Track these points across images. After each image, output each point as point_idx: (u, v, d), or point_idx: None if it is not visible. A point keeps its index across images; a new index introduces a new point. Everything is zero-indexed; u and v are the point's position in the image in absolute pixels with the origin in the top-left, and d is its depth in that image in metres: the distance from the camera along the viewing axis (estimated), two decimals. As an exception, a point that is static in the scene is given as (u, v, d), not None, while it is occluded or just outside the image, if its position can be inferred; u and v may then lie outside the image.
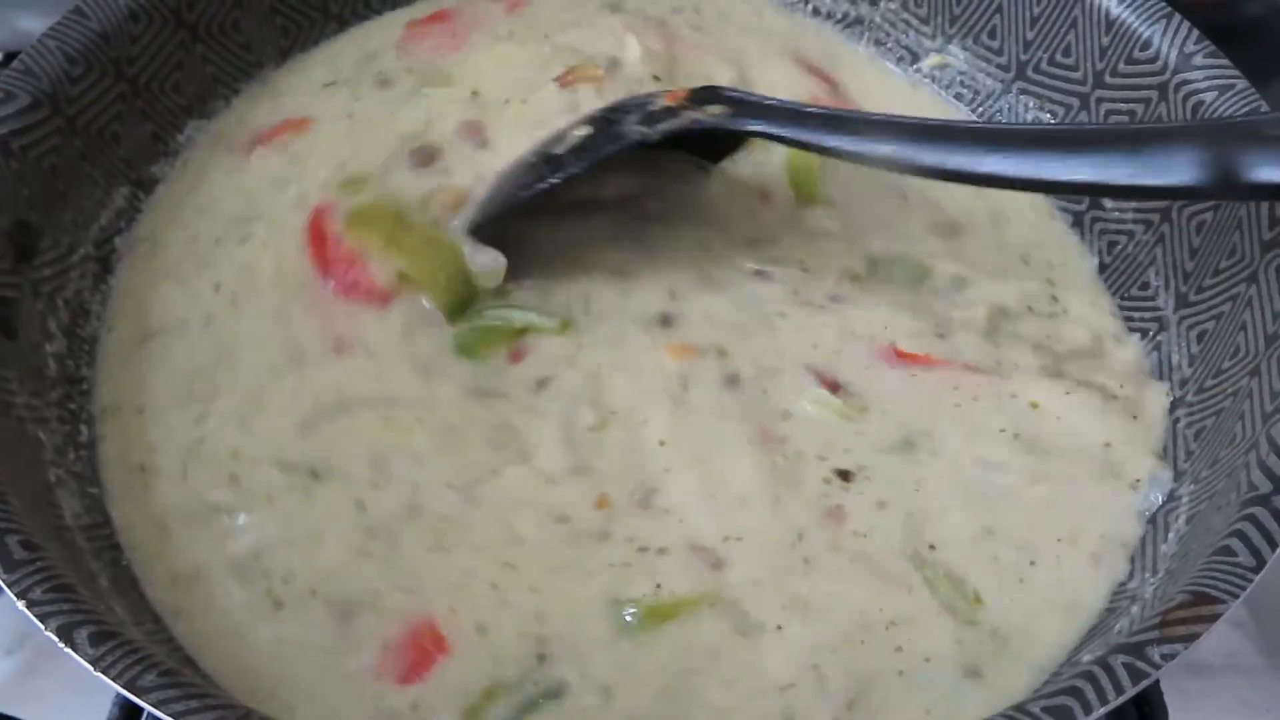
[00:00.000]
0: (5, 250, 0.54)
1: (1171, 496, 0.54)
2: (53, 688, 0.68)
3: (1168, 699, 0.57)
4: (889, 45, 0.77)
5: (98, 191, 0.62)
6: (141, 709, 0.59)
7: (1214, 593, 0.40)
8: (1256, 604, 0.75)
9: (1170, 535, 0.51)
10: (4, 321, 0.52)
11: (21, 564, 0.40)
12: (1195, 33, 0.63)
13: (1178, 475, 0.55)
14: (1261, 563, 0.41)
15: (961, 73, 0.75)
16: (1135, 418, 0.58)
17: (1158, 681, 0.55)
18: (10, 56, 0.91)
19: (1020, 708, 0.37)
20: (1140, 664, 0.38)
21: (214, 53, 0.68)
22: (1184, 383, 0.59)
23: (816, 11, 0.79)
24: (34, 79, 0.58)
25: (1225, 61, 0.61)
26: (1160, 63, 0.63)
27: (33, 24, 0.88)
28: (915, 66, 0.76)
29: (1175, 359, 0.60)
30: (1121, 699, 0.37)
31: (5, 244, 0.54)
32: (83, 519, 0.50)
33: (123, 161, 0.64)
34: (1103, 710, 0.36)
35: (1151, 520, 0.54)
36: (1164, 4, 0.64)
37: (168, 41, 0.65)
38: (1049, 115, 0.71)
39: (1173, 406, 0.59)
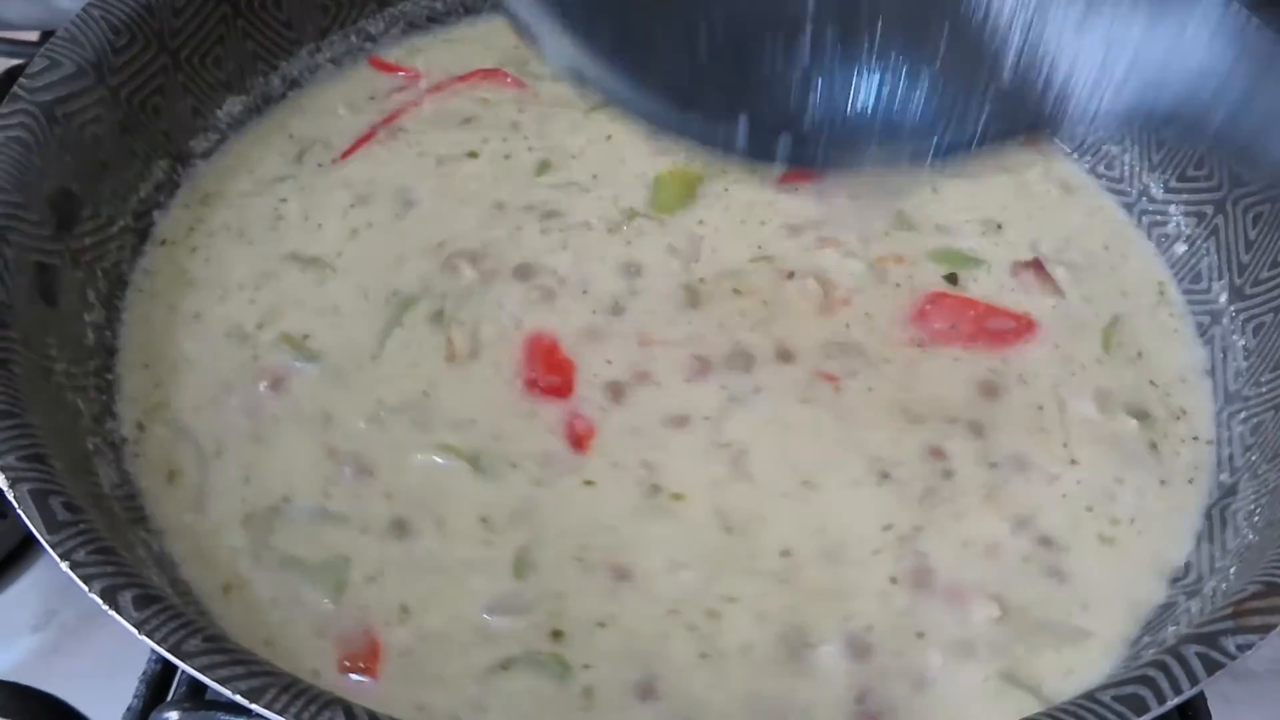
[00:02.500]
0: (47, 217, 0.54)
1: (1229, 491, 0.53)
2: (79, 665, 0.67)
3: (1210, 704, 0.56)
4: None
5: (137, 163, 0.62)
6: (169, 685, 0.59)
7: (1288, 584, 0.39)
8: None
9: (1229, 531, 0.50)
10: (45, 288, 0.52)
11: (65, 525, 0.40)
12: (1254, 20, 0.61)
13: (1234, 470, 0.54)
14: (1335, 553, 0.39)
15: None
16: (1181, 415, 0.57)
17: (1201, 685, 0.54)
18: (47, 35, 0.92)
19: (1090, 696, 0.36)
20: (1215, 654, 0.37)
21: (255, 28, 0.68)
22: (1238, 376, 0.58)
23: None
24: (79, 48, 0.57)
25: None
26: (1217, 52, 0.62)
27: (70, 3, 0.88)
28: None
29: (1229, 353, 0.59)
30: (1194, 689, 0.35)
31: (47, 211, 0.54)
32: (120, 489, 0.50)
33: (163, 134, 0.63)
34: (1176, 700, 0.35)
35: (1208, 515, 0.52)
36: None
37: (210, 15, 0.65)
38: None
39: (1228, 400, 0.57)
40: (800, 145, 0.39)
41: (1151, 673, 0.36)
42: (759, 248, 0.63)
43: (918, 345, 0.59)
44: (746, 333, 0.59)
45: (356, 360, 0.57)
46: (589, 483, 0.53)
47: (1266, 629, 0.37)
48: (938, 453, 0.54)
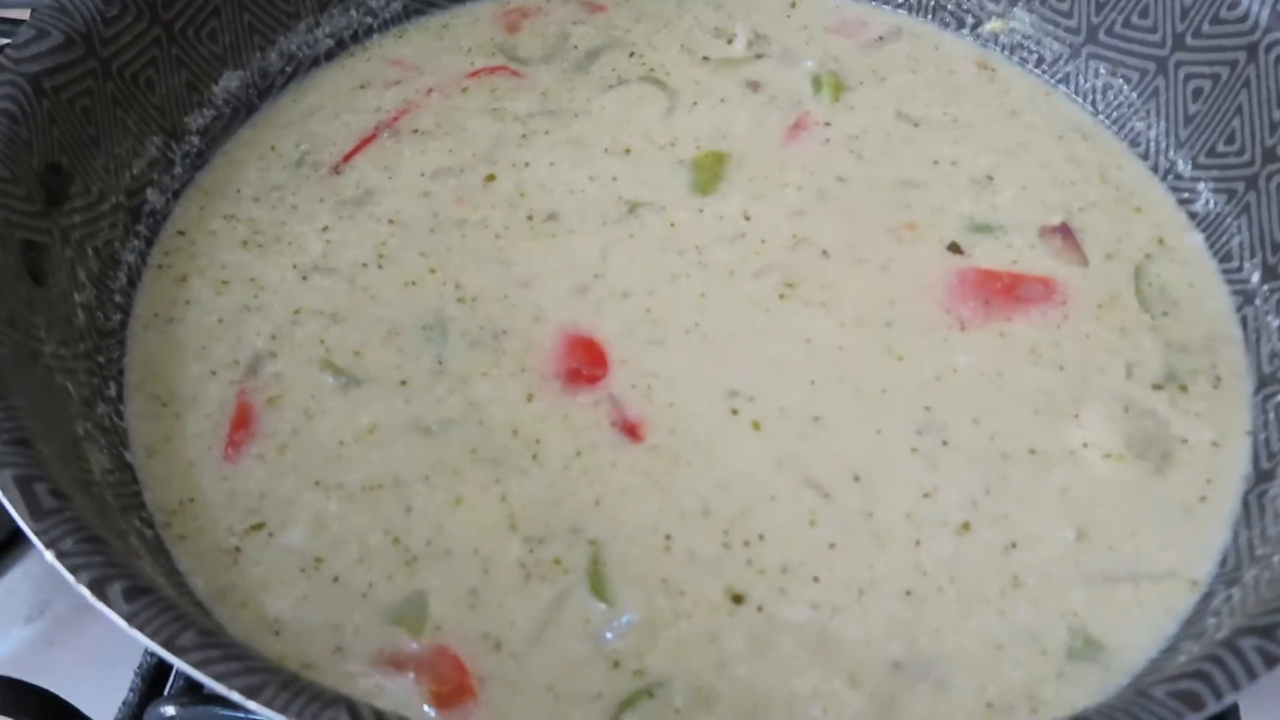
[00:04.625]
0: (35, 192, 0.51)
1: (1266, 476, 0.51)
2: (73, 657, 0.66)
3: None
4: (949, 8, 0.74)
5: (130, 139, 0.59)
6: (166, 679, 0.57)
7: (1346, 571, 0.37)
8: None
9: (1268, 517, 0.48)
10: (33, 266, 0.50)
11: (51, 513, 0.37)
12: (1289, -11, 0.59)
13: (1271, 455, 0.52)
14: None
15: (1026, 37, 0.71)
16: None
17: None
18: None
19: (1143, 692, 0.34)
20: (1273, 647, 0.35)
21: (253, 1, 0.65)
22: (1274, 357, 0.55)
23: (876, -27, 0.75)
24: (68, 17, 0.55)
25: (1323, 19, 0.58)
26: (1250, 22, 0.60)
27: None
28: (975, 31, 0.73)
29: (1263, 334, 0.57)
30: (1252, 684, 0.34)
31: (35, 185, 0.52)
32: (111, 475, 0.48)
33: (156, 110, 0.61)
34: (1233, 697, 0.33)
35: (1244, 501, 0.50)
36: None
37: (205, -14, 0.63)
38: (1122, 80, 0.67)
39: (1262, 383, 0.55)
40: None
41: (1206, 667, 0.34)
42: (792, 235, 0.61)
43: (960, 329, 0.57)
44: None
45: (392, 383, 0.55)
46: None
47: (1327, 620, 0.35)
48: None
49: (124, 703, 0.58)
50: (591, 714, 0.45)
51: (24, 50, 0.53)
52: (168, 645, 0.33)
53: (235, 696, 0.32)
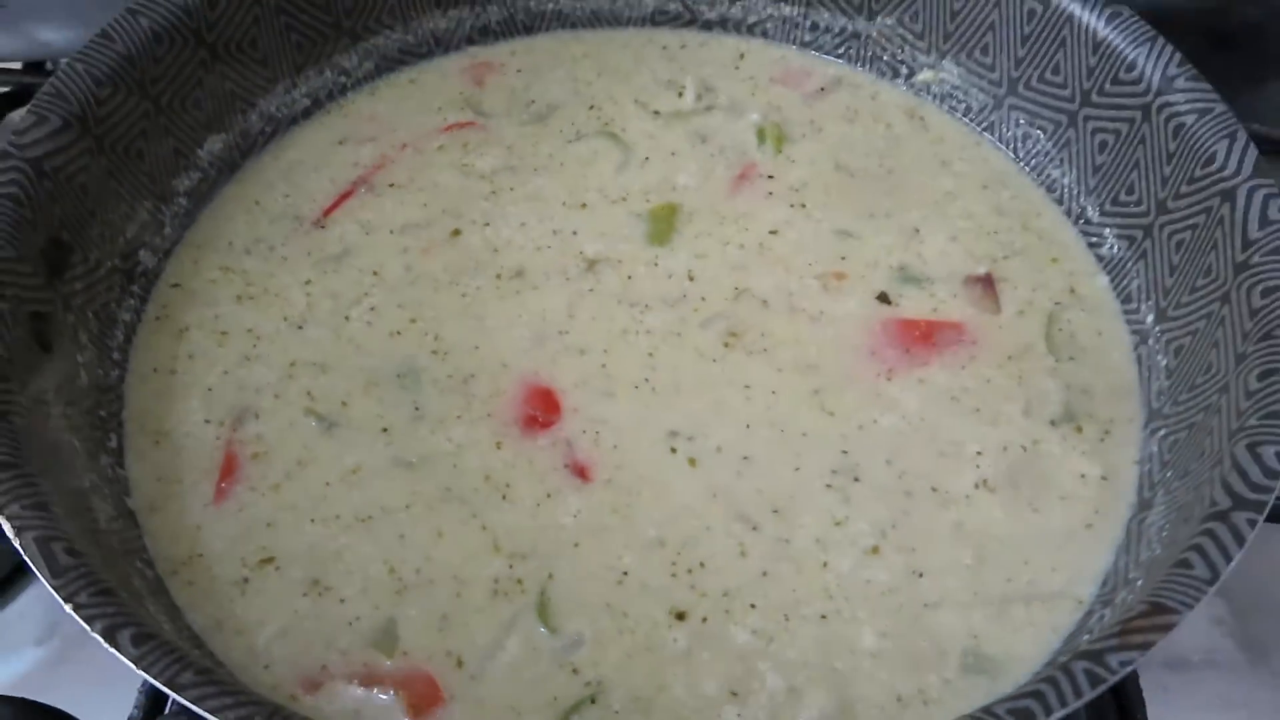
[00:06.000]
0: (39, 267, 0.57)
1: (1147, 505, 0.57)
2: (82, 676, 0.70)
3: (1146, 694, 0.59)
4: (885, 60, 0.79)
5: (124, 206, 0.64)
6: (166, 697, 0.63)
7: (1170, 604, 0.43)
8: (1236, 601, 0.76)
9: (1142, 544, 0.54)
10: (40, 336, 0.55)
11: (67, 570, 0.43)
12: (1178, 56, 0.65)
13: (1152, 485, 0.58)
14: (1216, 576, 0.44)
15: (955, 87, 0.77)
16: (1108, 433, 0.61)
17: (1136, 677, 0.59)
18: (31, 66, 0.94)
19: (988, 710, 0.40)
20: (1099, 670, 0.41)
21: (233, 70, 0.71)
22: (1160, 394, 0.62)
23: (815, 26, 0.81)
24: (64, 102, 0.60)
25: (1206, 85, 0.63)
26: (1144, 84, 0.65)
27: (51, 35, 0.91)
28: (909, 81, 0.79)
29: (1154, 372, 0.63)
30: (1079, 702, 0.40)
31: (39, 261, 0.57)
32: (115, 522, 0.54)
33: (146, 176, 0.66)
34: (1062, 712, 0.39)
35: (1127, 528, 0.57)
36: (1149, 27, 0.66)
37: (189, 61, 0.67)
38: (1039, 131, 0.73)
39: (1150, 418, 0.61)
40: None
41: (1042, 687, 0.40)
42: (735, 287, 0.67)
43: (886, 378, 0.63)
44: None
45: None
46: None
47: (1148, 646, 0.41)
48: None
49: (129, 718, 0.64)
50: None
51: (25, 136, 0.58)
52: (170, 683, 0.39)
53: (229, 727, 0.38)
